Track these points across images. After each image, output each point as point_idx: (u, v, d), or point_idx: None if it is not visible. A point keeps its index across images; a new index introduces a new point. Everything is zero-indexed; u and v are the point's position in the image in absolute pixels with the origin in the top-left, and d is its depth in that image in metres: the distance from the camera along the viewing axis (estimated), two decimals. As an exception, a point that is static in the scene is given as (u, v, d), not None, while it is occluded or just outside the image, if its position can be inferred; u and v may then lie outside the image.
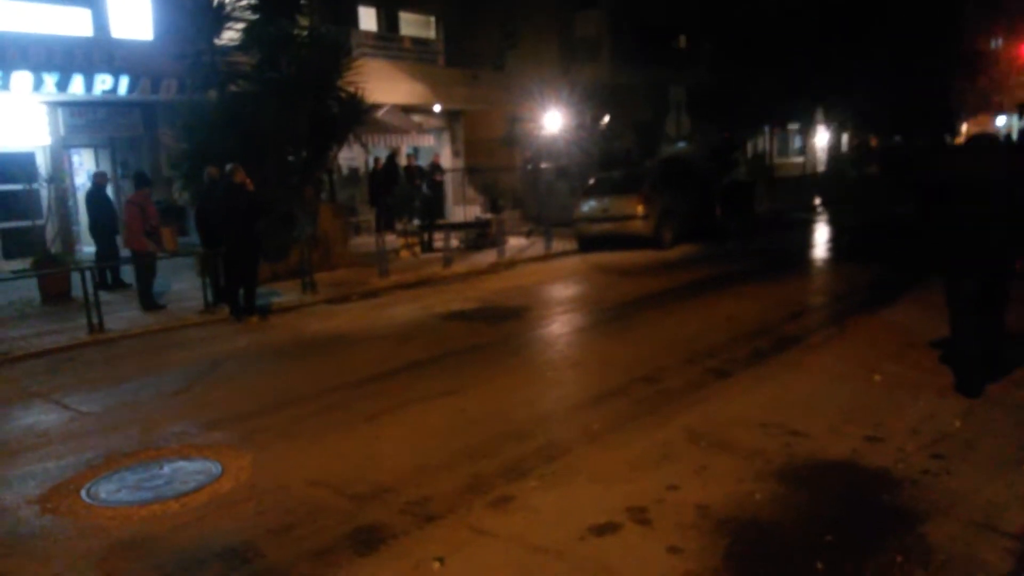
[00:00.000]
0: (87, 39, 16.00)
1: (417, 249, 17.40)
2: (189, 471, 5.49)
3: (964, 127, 8.57)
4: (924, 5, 34.62)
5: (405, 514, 4.62)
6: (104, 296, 12.69)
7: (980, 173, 6.05)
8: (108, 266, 13.62)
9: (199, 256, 12.24)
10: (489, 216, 18.84)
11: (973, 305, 6.13)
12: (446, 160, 23.91)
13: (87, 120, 17.42)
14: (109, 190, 19.39)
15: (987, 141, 6.37)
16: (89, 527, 4.73)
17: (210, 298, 11.57)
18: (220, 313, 11.33)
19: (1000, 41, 47.55)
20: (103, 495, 5.15)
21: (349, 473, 5.28)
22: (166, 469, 5.56)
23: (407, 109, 22.36)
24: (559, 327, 9.74)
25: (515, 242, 18.16)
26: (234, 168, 10.91)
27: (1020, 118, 28.71)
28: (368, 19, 23.35)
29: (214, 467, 5.52)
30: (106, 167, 19.46)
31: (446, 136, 25.25)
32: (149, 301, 11.96)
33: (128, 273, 14.17)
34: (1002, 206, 5.93)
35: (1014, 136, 29.35)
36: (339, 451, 5.73)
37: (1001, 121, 48.82)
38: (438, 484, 5.01)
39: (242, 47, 14.42)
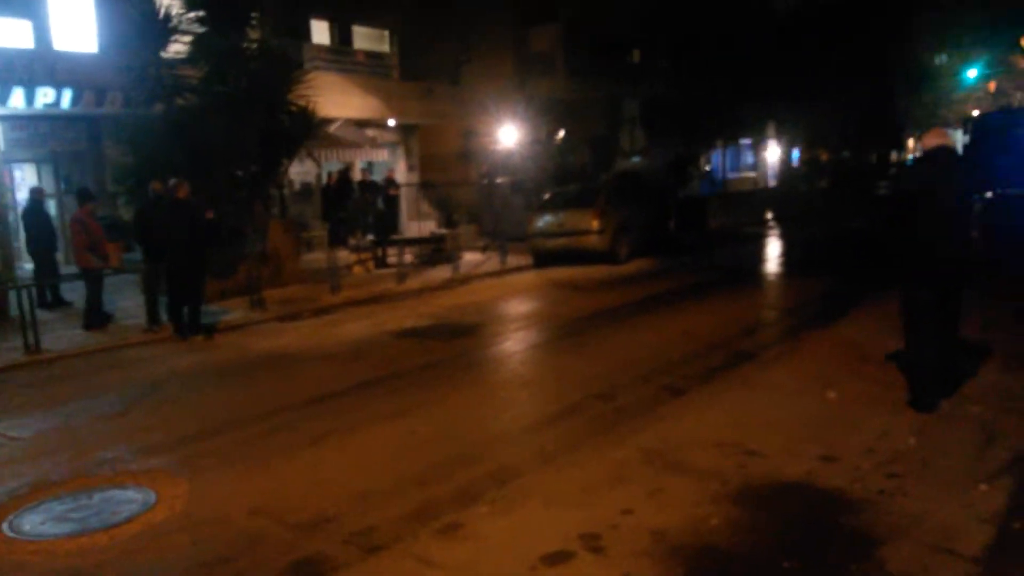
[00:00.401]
0: (28, 51, 15.57)
1: (370, 265, 17.14)
2: (121, 500, 5.22)
3: (923, 140, 8.75)
4: (872, 22, 35.37)
5: (349, 544, 4.41)
6: (45, 315, 12.32)
7: (944, 183, 6.24)
8: (46, 284, 13.12)
9: (143, 273, 11.88)
10: (444, 231, 18.67)
11: (930, 316, 6.25)
12: (401, 175, 23.70)
13: (29, 134, 16.90)
14: (52, 206, 18.94)
15: (947, 153, 6.54)
16: (9, 563, 4.44)
17: (161, 317, 11.21)
18: (164, 332, 10.98)
19: (945, 57, 48.76)
20: (27, 527, 4.86)
21: (292, 500, 5.05)
22: (96, 498, 5.27)
23: (361, 123, 22.14)
24: (513, 344, 9.59)
25: (470, 257, 17.99)
26: (178, 183, 10.63)
27: (964, 133, 29.32)
28: (321, 32, 23.07)
29: (148, 495, 5.25)
30: (49, 182, 18.91)
31: (401, 150, 25.02)
32: (94, 319, 11.56)
33: (69, 291, 13.75)
34: (963, 215, 6.24)
35: (959, 150, 29.97)
36: (282, 477, 5.49)
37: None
38: (384, 511, 4.81)
39: (190, 60, 14.09)
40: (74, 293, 13.95)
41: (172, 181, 10.73)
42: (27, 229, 13.35)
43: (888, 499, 4.69)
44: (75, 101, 15.71)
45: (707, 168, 34.77)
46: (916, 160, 6.94)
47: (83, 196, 12.09)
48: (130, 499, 5.22)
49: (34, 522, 4.94)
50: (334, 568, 4.15)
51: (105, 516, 4.97)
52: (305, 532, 4.60)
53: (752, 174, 42.75)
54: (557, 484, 5.12)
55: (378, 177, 22.37)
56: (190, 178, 11.39)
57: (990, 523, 4.36)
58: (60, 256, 18.70)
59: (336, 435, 6.32)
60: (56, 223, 18.76)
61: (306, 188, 22.58)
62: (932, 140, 6.61)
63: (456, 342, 9.79)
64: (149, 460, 5.98)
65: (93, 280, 11.64)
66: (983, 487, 4.80)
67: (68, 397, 8.05)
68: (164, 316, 11.12)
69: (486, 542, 4.38)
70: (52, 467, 5.94)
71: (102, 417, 7.27)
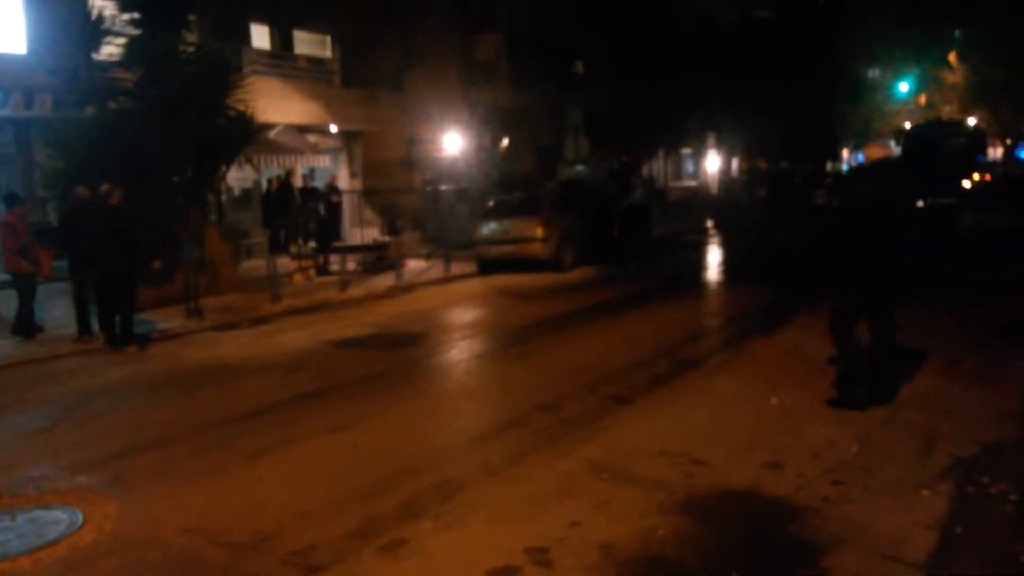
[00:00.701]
0: (-49, 50, 14.97)
1: (312, 272, 16.84)
2: (46, 521, 4.95)
3: (866, 151, 9.01)
4: (808, 35, 36.24)
5: (287, 565, 4.24)
6: (-34, 325, 11.82)
7: (891, 195, 6.45)
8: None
9: (72, 281, 11.46)
10: (387, 239, 18.46)
11: (856, 322, 6.56)
12: (343, 181, 23.38)
13: (-47, 136, 16.25)
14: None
15: (891, 164, 6.83)
16: (-79, 593, 4.18)
17: (93, 326, 10.82)
18: (95, 342, 10.60)
19: (878, 71, 50.18)
20: (-59, 554, 4.58)
21: (227, 519, 4.86)
22: (20, 519, 5.00)
23: (302, 129, 21.82)
24: (457, 353, 9.47)
25: (414, 265, 17.82)
26: (110, 188, 10.30)
27: (897, 144, 30.21)
28: (261, 37, 22.68)
29: (75, 516, 4.99)
30: (-26, 186, 18.24)
31: (343, 157, 24.71)
32: (23, 327, 11.14)
33: None
34: (908, 223, 6.49)
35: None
36: (217, 494, 5.28)
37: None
38: (325, 529, 4.65)
39: (123, 63, 13.72)
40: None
41: (104, 186, 10.38)
42: None
43: (833, 506, 4.69)
44: (2, 103, 15.16)
45: (646, 176, 35.15)
46: (857, 171, 7.01)
47: (11, 200, 11.63)
48: (56, 520, 4.97)
49: (-50, 547, 4.66)
50: (272, 590, 4.00)
51: (29, 539, 4.71)
52: (241, 553, 4.41)
53: (693, 183, 43.37)
54: (503, 497, 5.02)
55: (320, 184, 22.05)
56: (123, 183, 11.03)
57: (933, 529, 4.38)
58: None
59: (274, 450, 6.12)
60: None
61: (246, 194, 22.15)
62: (875, 152, 6.82)
63: (399, 352, 9.63)
64: (77, 478, 5.71)
65: (25, 286, 11.20)
66: (925, 493, 4.84)
67: (-9, 412, 7.69)
68: (96, 326, 10.75)
69: (431, 559, 4.26)
70: (-29, 487, 5.64)
71: (28, 432, 6.94)
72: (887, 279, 6.43)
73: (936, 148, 27.27)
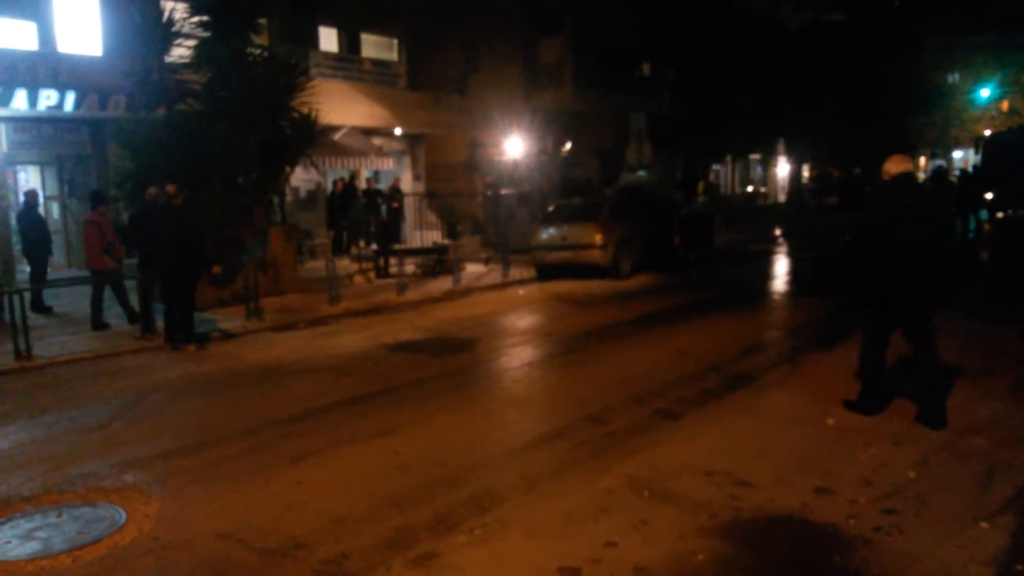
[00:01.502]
0: (31, 53, 15.52)
1: (372, 275, 16.99)
2: (90, 519, 5.05)
3: (887, 166, 8.71)
4: (884, 41, 35.23)
5: (317, 574, 4.23)
6: (39, 320, 12.22)
7: (914, 213, 6.33)
8: (35, 288, 12.99)
9: (138, 280, 11.78)
10: (447, 242, 18.52)
11: (886, 340, 6.57)
12: (406, 184, 23.57)
13: (32, 136, 16.84)
14: (55, 208, 18.91)
15: (913, 179, 6.63)
16: (-34, 587, 4.28)
17: (157, 325, 11.12)
18: (157, 340, 10.85)
19: (957, 76, 48.47)
20: (-11, 547, 4.70)
21: (264, 524, 4.88)
22: (65, 516, 5.11)
23: (367, 131, 22.04)
24: (507, 360, 9.40)
25: (472, 269, 17.84)
26: (174, 190, 10.57)
27: (976, 152, 29.10)
28: (329, 40, 23.03)
29: (118, 514, 5.08)
30: (53, 185, 18.89)
31: (407, 160, 24.94)
32: (98, 321, 11.59)
33: (52, 296, 13.83)
34: (937, 240, 6.33)
35: (969, 170, 29.75)
36: (256, 498, 5.31)
37: (957, 155, 49.74)
38: (358, 538, 4.63)
39: (192, 65, 14.03)
40: (56, 300, 13.90)
41: (169, 188, 10.63)
42: (21, 232, 13.26)
43: (884, 537, 4.48)
44: (78, 104, 15.63)
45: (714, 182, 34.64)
46: (882, 187, 6.86)
47: (96, 198, 12.08)
48: (99, 518, 5.06)
49: (-3, 541, 4.78)
50: (299, 600, 3.98)
51: (71, 536, 4.80)
52: (273, 559, 4.42)
53: (761, 189, 42.56)
54: (539, 513, 4.92)
55: (384, 186, 22.29)
56: (189, 184, 11.27)
57: (990, 565, 4.16)
58: (56, 259, 18.76)
59: (317, 454, 6.14)
60: (59, 226, 18.83)
61: (311, 196, 22.49)
62: (897, 167, 6.57)
63: (451, 357, 9.61)
64: (124, 476, 5.81)
65: (105, 282, 11.68)
66: (984, 525, 4.61)
67: (52, 406, 7.90)
68: (160, 324, 11.04)
69: (461, 575, 4.19)
70: (24, 481, 5.78)
71: (83, 429, 7.11)
72: (914, 301, 6.34)
73: (1019, 156, 26.08)
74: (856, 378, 6.98)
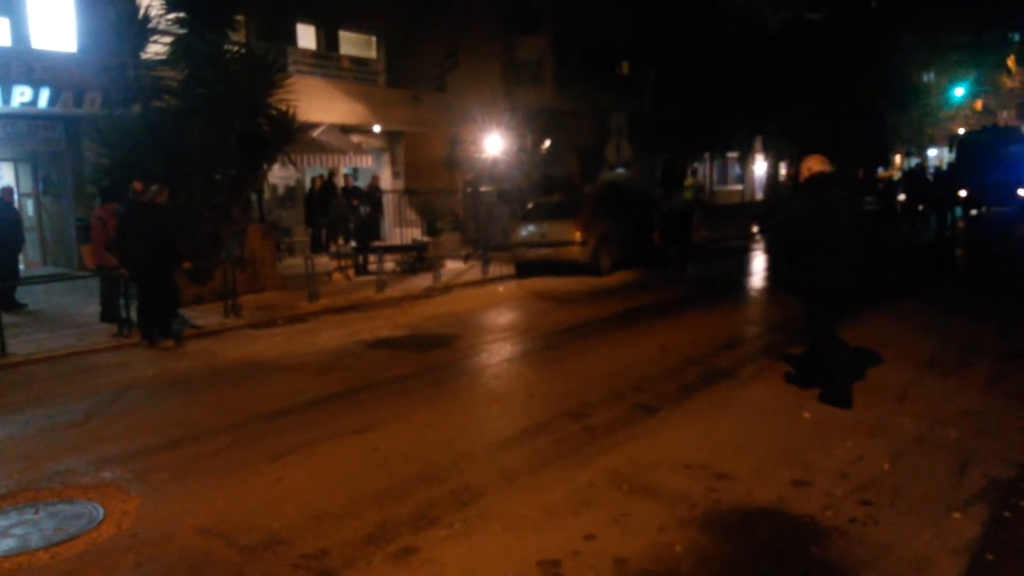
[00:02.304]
0: (5, 49, 15.35)
1: (351, 272, 16.95)
2: (67, 515, 5.01)
3: (805, 164, 8.90)
4: (858, 39, 35.53)
5: (298, 568, 4.22)
6: (15, 319, 12.07)
7: (833, 211, 6.71)
8: (8, 285, 12.81)
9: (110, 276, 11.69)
10: (426, 239, 18.50)
11: (831, 327, 6.91)
12: (386, 181, 23.52)
13: (6, 133, 16.61)
14: (29, 206, 18.70)
15: (830, 178, 7.01)
16: (-59, 585, 4.24)
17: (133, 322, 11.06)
18: (134, 337, 10.77)
19: (933, 75, 49.05)
20: (-35, 544, 4.65)
21: (244, 520, 4.86)
22: (43, 513, 5.07)
23: (346, 129, 21.95)
24: (487, 357, 9.41)
25: (452, 266, 17.84)
26: (159, 188, 10.64)
27: (950, 150, 29.50)
28: (307, 37, 22.90)
29: (96, 511, 5.05)
30: (27, 181, 18.68)
31: (386, 157, 24.87)
32: (109, 313, 11.46)
33: (22, 294, 13.70)
34: (856, 236, 6.70)
35: (944, 168, 30.13)
36: (236, 494, 5.29)
37: (932, 153, 50.34)
38: (339, 533, 4.62)
39: (169, 62, 13.90)
40: (28, 296, 13.77)
41: (154, 187, 10.59)
42: None
43: (860, 528, 4.54)
44: (53, 101, 15.44)
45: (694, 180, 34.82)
46: (801, 185, 7.23)
47: (105, 195, 11.92)
48: (77, 514, 5.02)
49: (-26, 538, 4.73)
50: (279, 595, 3.97)
51: (49, 533, 4.76)
52: (254, 555, 4.41)
53: (739, 187, 42.82)
54: (519, 507, 4.94)
55: (362, 183, 22.22)
56: (167, 181, 11.19)
57: (962, 554, 4.23)
58: (31, 256, 18.57)
59: (297, 450, 6.13)
60: (34, 223, 18.63)
61: (290, 193, 22.40)
62: (816, 165, 6.98)
63: (431, 354, 9.61)
64: (102, 473, 5.77)
65: (109, 279, 11.52)
66: (957, 515, 4.69)
67: (27, 404, 7.83)
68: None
69: (441, 569, 4.20)
70: (1, 478, 5.73)
71: (60, 426, 7.05)
72: (837, 294, 6.74)
73: (992, 155, 26.42)
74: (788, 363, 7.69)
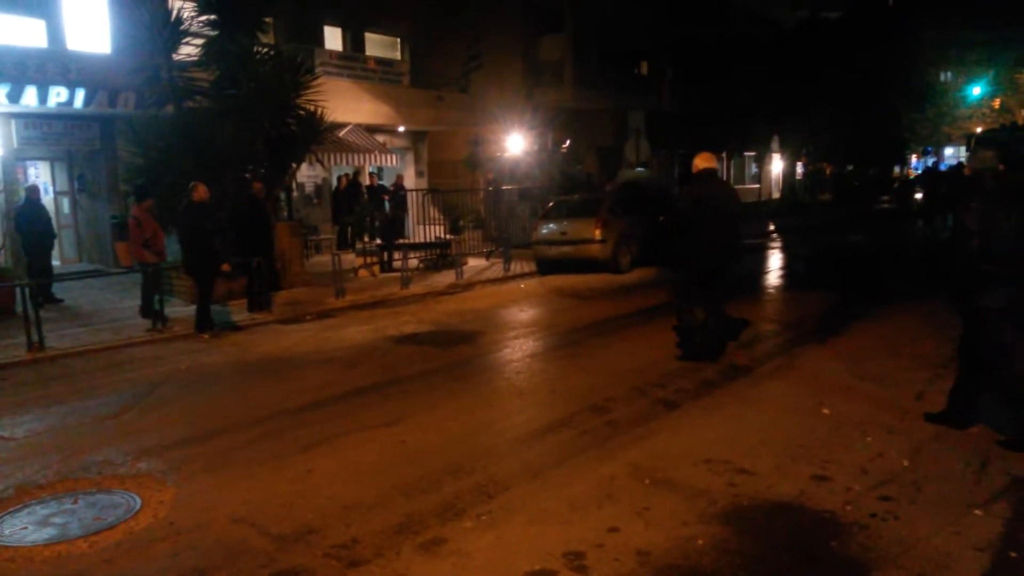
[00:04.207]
0: (41, 50, 15.64)
1: (376, 269, 17.15)
2: (105, 505, 5.20)
3: (695, 162, 9.25)
4: (877, 38, 35.30)
5: (329, 558, 4.37)
6: (52, 314, 12.35)
7: (715, 200, 8.30)
8: (45, 282, 13.11)
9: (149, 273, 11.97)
10: (449, 237, 18.66)
11: (699, 291, 8.46)
12: (410, 180, 23.72)
13: (43, 133, 16.98)
14: (66, 204, 19.07)
15: (714, 174, 8.66)
16: (-15, 570, 4.42)
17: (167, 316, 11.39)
18: (167, 331, 11.02)
19: (950, 73, 48.58)
20: (6, 532, 4.84)
21: (276, 510, 5.02)
22: (81, 503, 5.25)
23: (371, 128, 22.17)
24: (510, 352, 9.54)
25: (475, 263, 18.00)
26: (193, 186, 10.94)
27: (967, 149, 29.23)
28: (334, 39, 23.16)
29: (133, 501, 5.23)
30: (63, 180, 19.06)
31: (410, 156, 25.09)
32: (147, 309, 11.79)
33: (59, 289, 14.02)
34: (729, 222, 8.34)
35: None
36: (268, 485, 5.46)
37: (949, 152, 49.88)
38: (368, 524, 4.77)
39: (200, 63, 14.17)
40: (64, 292, 14.07)
41: (191, 184, 10.87)
42: (21, 227, 13.32)
43: (880, 523, 4.61)
44: (88, 101, 15.76)
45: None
46: (691, 179, 8.72)
47: (141, 194, 12.20)
48: (115, 504, 5.20)
49: (15, 527, 4.92)
50: (312, 582, 4.12)
51: (87, 522, 4.94)
52: (286, 544, 4.56)
53: (756, 186, 42.66)
54: (544, 499, 5.06)
55: (386, 182, 22.46)
56: (199, 180, 11.41)
57: (985, 551, 4.27)
58: (67, 253, 18.93)
59: (327, 443, 6.29)
60: (70, 220, 19.00)
61: (317, 191, 22.67)
62: (702, 163, 8.45)
63: (454, 349, 9.76)
64: (138, 464, 5.97)
65: (148, 274, 11.94)
66: (977, 512, 4.72)
67: (65, 397, 8.06)
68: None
69: (468, 559, 4.33)
70: (40, 469, 5.93)
71: (96, 418, 7.27)
72: (714, 265, 8.32)
73: (1010, 153, 26.13)
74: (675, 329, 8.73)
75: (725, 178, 34.72)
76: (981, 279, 5.66)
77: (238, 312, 12.40)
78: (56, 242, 15.35)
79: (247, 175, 14.23)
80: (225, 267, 11.53)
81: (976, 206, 5.75)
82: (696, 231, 8.27)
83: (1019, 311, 5.61)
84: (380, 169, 23.25)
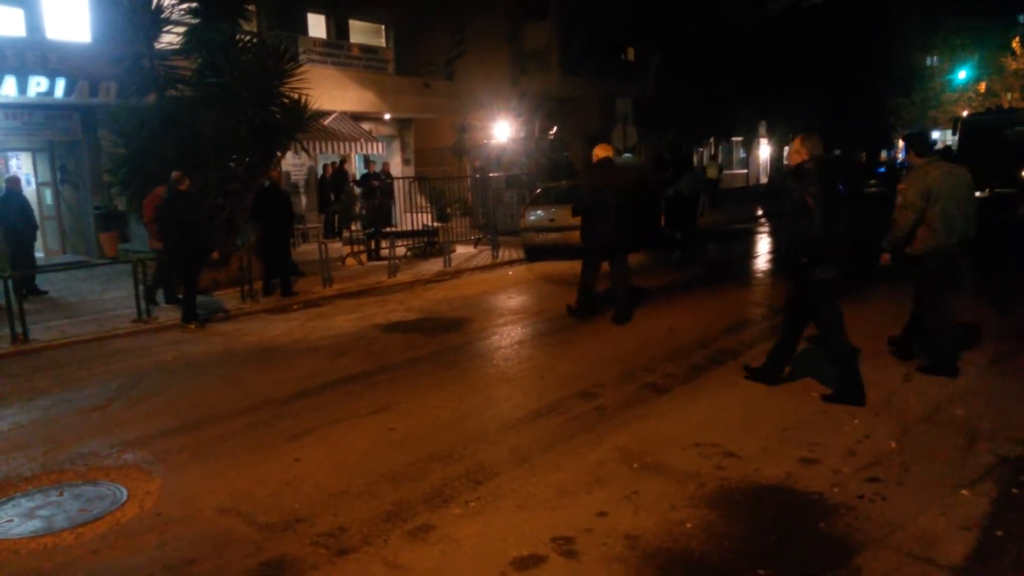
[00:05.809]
0: (20, 39, 15.46)
1: (363, 257, 17.08)
2: (91, 497, 5.15)
3: (595, 151, 9.63)
4: (863, 22, 35.33)
5: (317, 546, 4.35)
6: (36, 306, 12.25)
7: (609, 187, 9.54)
8: (29, 273, 12.98)
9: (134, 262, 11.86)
10: (437, 225, 18.61)
11: (595, 268, 10.00)
12: (396, 168, 23.62)
13: (23, 123, 16.78)
14: (48, 195, 18.88)
15: (611, 162, 9.97)
16: (-28, 562, 4.38)
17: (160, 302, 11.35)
18: (153, 322, 10.94)
19: (936, 57, 48.71)
20: (-8, 525, 4.80)
21: (263, 499, 5.00)
22: (67, 495, 5.21)
23: (356, 116, 22.05)
24: (499, 339, 9.52)
25: (463, 251, 17.95)
26: (179, 176, 10.84)
27: (954, 133, 29.36)
28: (317, 26, 22.98)
29: (119, 492, 5.19)
30: (45, 171, 18.86)
31: (396, 144, 24.98)
32: (170, 296, 11.95)
33: (43, 281, 13.90)
34: (622, 206, 9.62)
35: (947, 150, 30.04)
36: (255, 474, 5.42)
37: (935, 135, 50.10)
38: (356, 512, 4.75)
39: (182, 51, 13.96)
40: (49, 284, 13.97)
41: (174, 174, 10.77)
42: (2, 219, 13.13)
43: (867, 505, 4.63)
44: (69, 90, 15.59)
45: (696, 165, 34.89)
46: (590, 166, 10.05)
47: (152, 181, 12.12)
48: (101, 496, 5.16)
49: (0, 519, 4.87)
50: (300, 572, 4.09)
51: (73, 514, 4.90)
52: (274, 533, 4.54)
53: (743, 171, 42.74)
54: (533, 485, 5.06)
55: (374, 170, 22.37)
56: (182, 170, 11.32)
57: (971, 530, 4.30)
58: (51, 245, 18.77)
59: (314, 431, 6.26)
60: (52, 211, 18.83)
61: (303, 180, 22.53)
62: (600, 152, 9.80)
63: (442, 337, 9.73)
64: (124, 455, 5.92)
65: (163, 261, 11.87)
66: (965, 492, 4.76)
67: (50, 389, 7.99)
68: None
69: (457, 545, 4.32)
70: (25, 461, 5.87)
71: (82, 410, 7.21)
72: (606, 246, 9.68)
73: (995, 137, 26.29)
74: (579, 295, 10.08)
75: (718, 160, 34.83)
76: (819, 256, 6.37)
77: (228, 300, 12.33)
78: (39, 233, 15.21)
79: (230, 164, 14.11)
80: (214, 255, 11.47)
81: (815, 191, 6.24)
82: (592, 214, 9.58)
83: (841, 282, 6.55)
84: (366, 157, 23.14)
